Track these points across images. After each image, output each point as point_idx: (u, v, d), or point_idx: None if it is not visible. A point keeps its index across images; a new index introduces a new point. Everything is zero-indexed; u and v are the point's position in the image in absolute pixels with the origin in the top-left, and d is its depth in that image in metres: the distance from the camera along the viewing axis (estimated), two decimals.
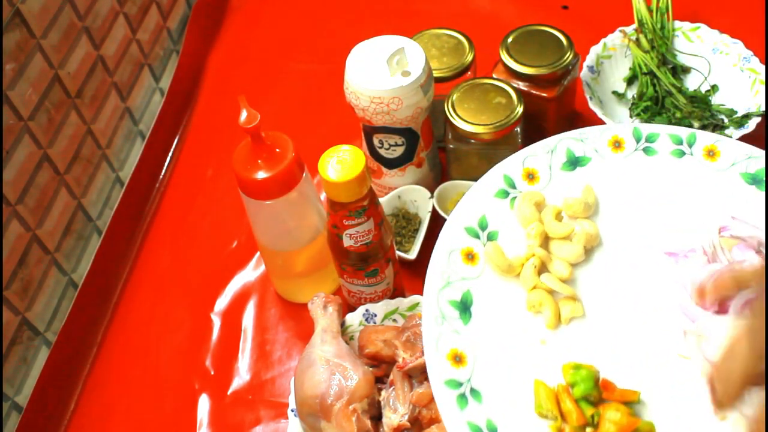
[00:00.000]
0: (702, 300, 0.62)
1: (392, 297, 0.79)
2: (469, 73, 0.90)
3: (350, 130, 0.92)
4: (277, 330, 0.85)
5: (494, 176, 0.69)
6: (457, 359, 0.61)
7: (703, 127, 0.90)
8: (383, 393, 0.71)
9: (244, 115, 0.70)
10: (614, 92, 0.97)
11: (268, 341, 0.84)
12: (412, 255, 0.84)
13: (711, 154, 0.71)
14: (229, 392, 0.81)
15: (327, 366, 0.70)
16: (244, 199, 0.75)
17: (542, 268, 0.66)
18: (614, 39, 0.98)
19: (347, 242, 0.72)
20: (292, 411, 0.72)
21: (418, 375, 0.70)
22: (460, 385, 0.60)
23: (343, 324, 0.77)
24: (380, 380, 0.74)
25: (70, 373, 0.84)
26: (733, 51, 0.95)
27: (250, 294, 0.88)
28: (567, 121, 0.95)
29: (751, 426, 0.57)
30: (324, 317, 0.75)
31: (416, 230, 0.87)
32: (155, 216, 0.97)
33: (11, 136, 0.79)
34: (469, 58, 0.89)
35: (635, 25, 0.98)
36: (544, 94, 0.88)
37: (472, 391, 0.60)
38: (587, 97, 0.92)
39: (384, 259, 0.75)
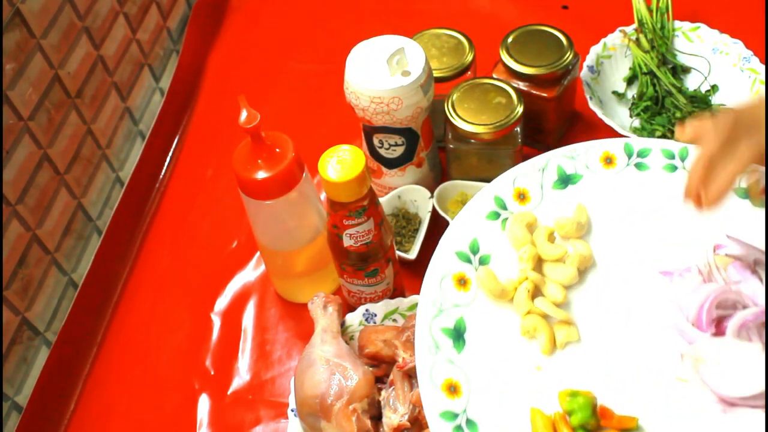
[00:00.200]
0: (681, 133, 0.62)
1: (392, 297, 0.79)
2: (469, 73, 0.90)
3: (350, 130, 0.92)
4: (277, 330, 0.85)
5: (485, 197, 0.68)
6: (452, 389, 0.60)
7: None
8: (383, 393, 0.71)
9: (244, 115, 0.70)
10: (614, 92, 0.97)
11: (268, 341, 0.84)
12: (412, 255, 0.84)
13: None
14: (229, 392, 0.81)
15: (327, 366, 0.70)
16: (244, 199, 0.75)
17: (536, 292, 0.65)
18: (614, 39, 0.98)
19: (347, 242, 0.72)
20: (292, 411, 0.72)
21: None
22: (456, 416, 0.59)
23: (343, 324, 0.77)
24: (380, 380, 0.74)
25: (70, 373, 0.84)
26: (733, 51, 0.95)
27: (250, 294, 0.88)
28: (567, 121, 0.95)
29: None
30: (324, 317, 0.75)
31: (416, 230, 0.87)
32: (155, 216, 0.97)
33: (11, 136, 0.79)
34: (469, 58, 0.89)
35: (635, 25, 0.98)
36: (544, 94, 0.88)
37: (468, 422, 0.59)
38: (587, 97, 0.92)
39: (384, 259, 0.75)
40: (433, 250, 0.87)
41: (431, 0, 1.15)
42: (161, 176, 1.01)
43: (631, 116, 0.95)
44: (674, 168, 0.71)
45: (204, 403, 0.80)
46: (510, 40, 0.89)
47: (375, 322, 0.77)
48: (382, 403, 0.70)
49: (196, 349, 0.84)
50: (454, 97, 0.85)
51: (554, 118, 0.91)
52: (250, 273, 0.90)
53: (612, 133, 0.90)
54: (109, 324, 0.88)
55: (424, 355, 0.61)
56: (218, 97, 1.09)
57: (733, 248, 0.64)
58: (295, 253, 0.81)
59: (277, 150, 0.73)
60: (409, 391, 0.70)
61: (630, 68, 0.98)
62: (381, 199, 0.82)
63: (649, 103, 0.93)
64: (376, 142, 0.85)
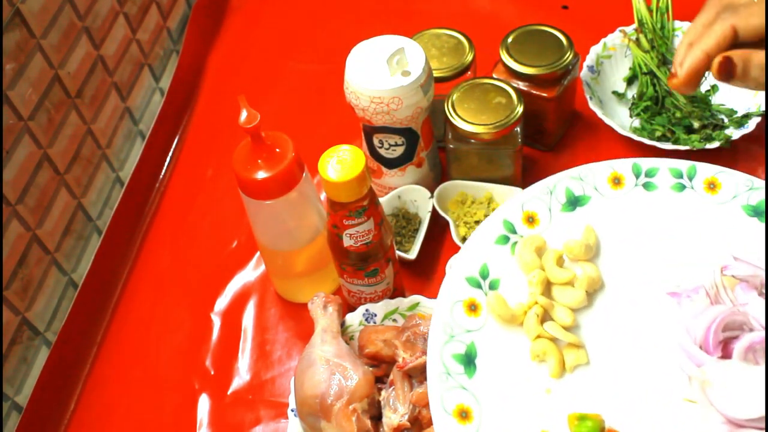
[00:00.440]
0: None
1: (392, 297, 0.79)
2: (469, 73, 0.90)
3: (350, 130, 0.92)
4: (277, 330, 0.85)
5: (494, 222, 0.69)
6: (464, 415, 0.60)
7: (703, 127, 0.90)
8: (383, 393, 0.71)
9: (244, 115, 0.70)
10: (614, 92, 0.97)
11: (268, 341, 0.84)
12: (412, 255, 0.84)
13: (712, 186, 0.71)
14: (229, 392, 0.81)
15: (327, 366, 0.70)
16: (244, 199, 0.75)
17: (545, 316, 0.65)
18: (614, 39, 0.98)
19: (347, 242, 0.72)
20: (292, 411, 0.73)
21: (418, 375, 0.70)
22: None
23: (343, 324, 0.77)
24: (380, 380, 0.74)
25: (70, 373, 0.84)
26: None
27: (250, 294, 0.88)
28: (567, 121, 0.95)
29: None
30: (324, 317, 0.75)
31: (416, 230, 0.87)
32: (155, 216, 0.97)
33: (11, 136, 0.79)
34: (469, 58, 0.89)
35: (635, 25, 0.98)
36: (544, 94, 0.88)
37: None
38: (587, 97, 0.92)
39: (384, 259, 0.75)
40: (433, 250, 0.87)
41: (431, 0, 1.15)
42: (161, 176, 1.01)
43: (631, 116, 0.95)
44: (682, 187, 0.71)
45: (204, 403, 0.80)
46: (510, 40, 0.89)
47: (375, 322, 0.77)
48: (382, 403, 0.70)
49: (196, 349, 0.84)
50: (454, 97, 0.85)
51: (554, 118, 0.91)
52: (250, 273, 0.90)
53: (612, 133, 0.90)
54: (109, 324, 0.88)
55: (436, 382, 0.61)
56: (218, 97, 1.09)
57: (740, 269, 0.64)
58: (295, 253, 0.81)
59: (277, 150, 0.73)
60: (409, 391, 0.70)
61: (630, 68, 0.98)
62: (381, 199, 0.82)
63: (649, 103, 0.93)
64: (376, 142, 0.85)
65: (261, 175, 0.71)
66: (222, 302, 0.88)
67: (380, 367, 0.74)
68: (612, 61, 0.98)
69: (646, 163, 0.73)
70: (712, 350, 0.61)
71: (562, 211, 0.70)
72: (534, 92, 0.88)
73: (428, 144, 0.87)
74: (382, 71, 0.79)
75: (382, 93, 0.78)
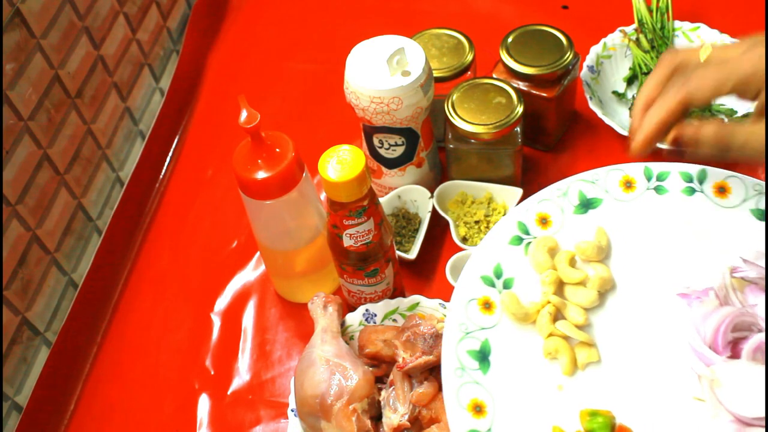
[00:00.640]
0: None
1: (392, 297, 0.79)
2: (469, 73, 0.90)
3: (350, 130, 0.92)
4: (277, 330, 0.85)
5: (508, 223, 0.70)
6: (478, 409, 0.62)
7: None
8: (383, 393, 0.71)
9: (244, 115, 0.70)
10: (614, 92, 0.97)
11: (268, 341, 0.84)
12: (412, 255, 0.84)
13: (721, 190, 0.71)
14: (229, 392, 0.81)
15: (327, 366, 0.70)
16: (244, 199, 0.75)
17: (557, 315, 0.67)
18: (614, 39, 0.98)
19: (347, 242, 0.72)
20: (292, 411, 0.73)
21: (418, 375, 0.70)
22: None
23: (343, 324, 0.77)
24: (380, 380, 0.74)
25: (70, 373, 0.84)
26: None
27: (250, 294, 0.88)
28: (567, 121, 0.95)
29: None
30: (324, 317, 0.75)
31: (416, 230, 0.87)
32: (155, 216, 0.97)
33: (11, 136, 0.79)
34: (469, 58, 0.89)
35: (635, 25, 0.98)
36: (544, 94, 0.88)
37: None
38: (587, 97, 0.92)
39: (384, 259, 0.75)
40: (433, 250, 0.87)
41: (431, 0, 1.15)
42: (161, 176, 1.01)
43: (631, 116, 0.94)
44: (692, 191, 0.72)
45: (204, 403, 0.80)
46: (510, 40, 0.89)
47: (375, 322, 0.77)
48: (382, 403, 0.70)
49: (196, 349, 0.84)
50: (454, 97, 0.85)
51: (554, 118, 0.91)
52: (250, 273, 0.90)
53: (612, 133, 0.90)
54: (109, 324, 0.88)
55: (451, 377, 0.63)
56: (218, 97, 1.09)
57: (749, 271, 0.65)
58: (295, 253, 0.81)
59: (277, 150, 0.73)
60: (409, 391, 0.70)
61: (630, 68, 0.98)
62: (381, 199, 0.82)
63: None
64: (376, 142, 0.85)
65: (261, 175, 0.71)
66: (222, 302, 0.88)
67: (380, 367, 0.74)
68: (612, 61, 0.98)
69: (657, 167, 0.74)
70: (721, 350, 0.62)
71: (574, 213, 0.71)
72: (534, 92, 0.88)
73: (428, 144, 0.87)
74: (382, 71, 0.79)
75: (382, 93, 0.78)
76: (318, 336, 0.73)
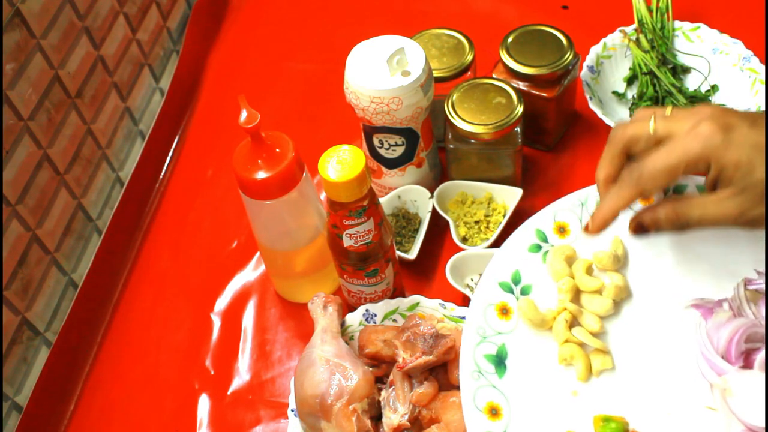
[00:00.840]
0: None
1: (392, 297, 0.79)
2: (469, 73, 0.90)
3: (350, 130, 0.92)
4: (277, 330, 0.85)
5: (527, 231, 0.72)
6: (494, 412, 0.63)
7: None
8: (383, 393, 0.71)
9: (244, 115, 0.70)
10: (614, 92, 0.97)
11: (268, 341, 0.84)
12: (412, 255, 0.84)
13: None
14: (229, 392, 0.81)
15: (327, 366, 0.70)
16: (244, 199, 0.75)
17: (573, 322, 0.68)
18: (614, 39, 0.98)
19: (347, 242, 0.72)
20: (292, 411, 0.73)
21: (418, 375, 0.70)
22: None
23: (343, 324, 0.77)
24: (380, 380, 0.74)
25: (70, 373, 0.84)
26: (733, 51, 0.95)
27: (250, 294, 0.88)
28: (567, 121, 0.95)
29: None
30: (324, 317, 0.75)
31: (416, 230, 0.87)
32: (155, 216, 0.97)
33: (11, 136, 0.79)
34: (469, 58, 0.89)
35: (635, 25, 0.98)
36: (544, 94, 0.88)
37: None
38: (587, 97, 0.92)
39: (384, 259, 0.75)
40: (433, 250, 0.87)
41: (431, 0, 1.15)
42: (161, 176, 1.01)
43: (631, 116, 0.94)
44: None
45: (204, 403, 0.80)
46: (510, 40, 0.89)
47: (375, 322, 0.77)
48: (382, 403, 0.70)
49: (196, 349, 0.84)
50: (454, 97, 0.85)
51: (554, 118, 0.91)
52: (250, 273, 0.90)
53: None
54: (109, 324, 0.88)
55: (468, 379, 0.64)
56: (218, 97, 1.09)
57: (763, 284, 0.66)
58: (295, 253, 0.81)
59: (277, 150, 0.73)
60: (409, 391, 0.70)
61: (630, 68, 0.98)
62: (381, 199, 0.82)
63: (649, 103, 0.93)
64: (376, 142, 0.85)
65: (261, 175, 0.71)
66: (222, 302, 0.88)
67: (380, 367, 0.74)
68: (612, 61, 0.98)
69: None
70: (734, 360, 0.63)
71: None
72: (534, 92, 0.88)
73: (428, 144, 0.87)
74: (382, 71, 0.79)
75: (382, 93, 0.78)
76: (318, 336, 0.73)
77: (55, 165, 0.87)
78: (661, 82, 0.93)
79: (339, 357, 0.71)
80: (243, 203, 0.76)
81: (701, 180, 0.72)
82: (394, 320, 0.77)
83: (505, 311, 0.68)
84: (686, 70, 0.97)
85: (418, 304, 0.77)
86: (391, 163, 0.87)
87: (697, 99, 0.92)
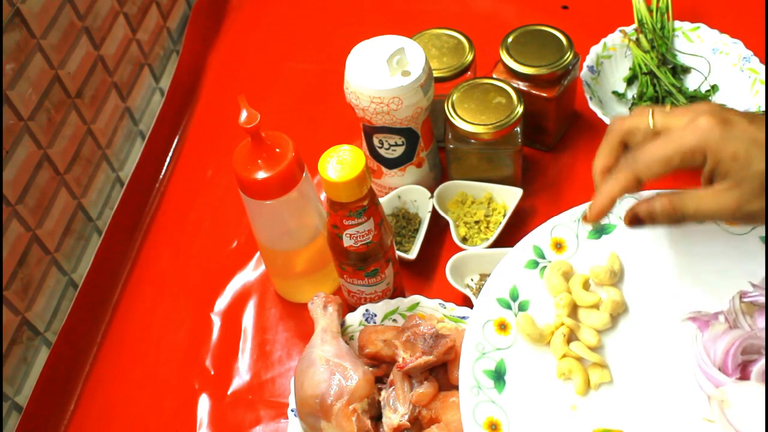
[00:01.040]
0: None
1: (392, 297, 0.79)
2: (469, 73, 0.90)
3: (350, 130, 0.92)
4: (277, 330, 0.85)
5: (524, 247, 0.72)
6: (493, 427, 0.64)
7: None
8: (383, 393, 0.71)
9: (244, 115, 0.70)
10: (614, 92, 0.97)
11: (268, 341, 0.84)
12: (412, 255, 0.84)
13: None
14: (229, 392, 0.81)
15: (327, 366, 0.70)
16: (244, 199, 0.75)
17: (571, 337, 0.68)
18: (614, 39, 0.98)
19: (347, 242, 0.72)
20: (292, 411, 0.73)
21: (418, 375, 0.70)
22: None
23: (343, 324, 0.77)
24: (380, 380, 0.74)
25: (70, 373, 0.84)
26: (733, 51, 0.95)
27: (250, 294, 0.88)
28: (567, 121, 0.95)
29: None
30: (324, 317, 0.75)
31: (416, 230, 0.87)
32: (155, 216, 0.97)
33: (11, 136, 0.79)
34: (469, 58, 0.89)
35: (635, 25, 0.98)
36: (544, 94, 0.88)
37: None
38: (587, 97, 0.92)
39: (384, 259, 0.75)
40: (433, 250, 0.87)
41: (431, 0, 1.15)
42: (161, 176, 1.01)
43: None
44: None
45: (204, 403, 0.80)
46: (510, 40, 0.89)
47: (375, 322, 0.77)
48: (382, 403, 0.70)
49: (196, 349, 0.84)
50: (454, 97, 0.85)
51: (554, 118, 0.91)
52: (250, 273, 0.90)
53: None
54: (109, 324, 0.88)
55: (467, 395, 0.65)
56: (218, 97, 1.09)
57: (758, 296, 0.66)
58: (295, 253, 0.81)
59: (277, 150, 0.73)
60: (409, 391, 0.70)
61: (630, 68, 0.98)
62: (381, 199, 0.82)
63: (649, 103, 0.93)
64: (376, 142, 0.85)
65: (261, 175, 0.71)
66: (222, 302, 0.88)
67: (380, 367, 0.74)
68: (612, 61, 0.98)
69: None
70: (730, 372, 0.63)
71: (588, 238, 0.73)
72: (534, 92, 0.88)
73: (428, 144, 0.87)
74: (382, 71, 0.79)
75: (382, 93, 0.78)
76: (318, 336, 0.73)
77: (55, 165, 0.87)
78: (661, 82, 0.93)
79: (339, 357, 0.71)
80: (243, 203, 0.76)
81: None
82: (394, 320, 0.77)
83: (503, 327, 0.68)
84: (686, 70, 0.97)
85: (418, 304, 0.77)
86: (391, 163, 0.87)
87: (697, 99, 0.93)
